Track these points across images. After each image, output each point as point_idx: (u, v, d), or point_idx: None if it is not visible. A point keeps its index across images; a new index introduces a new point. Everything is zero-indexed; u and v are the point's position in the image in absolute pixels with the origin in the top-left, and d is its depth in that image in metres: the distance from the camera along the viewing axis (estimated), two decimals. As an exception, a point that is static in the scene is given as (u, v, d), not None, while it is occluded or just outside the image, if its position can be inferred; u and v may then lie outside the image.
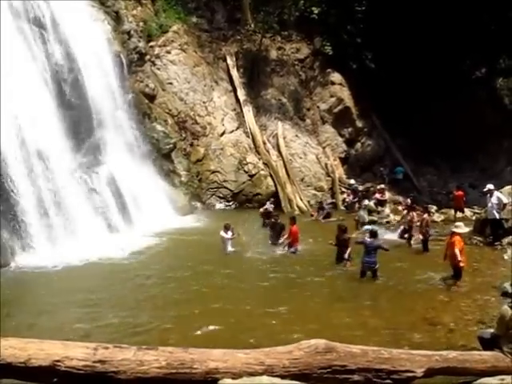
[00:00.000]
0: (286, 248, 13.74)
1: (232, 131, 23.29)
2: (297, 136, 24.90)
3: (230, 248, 13.63)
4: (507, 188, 15.95)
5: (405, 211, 16.24)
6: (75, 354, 5.27)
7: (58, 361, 5.17)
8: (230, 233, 13.64)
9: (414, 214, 15.34)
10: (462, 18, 24.61)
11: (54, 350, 5.27)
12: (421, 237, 14.13)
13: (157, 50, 22.79)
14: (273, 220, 15.06)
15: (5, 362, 5.09)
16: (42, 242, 13.32)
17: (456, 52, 25.30)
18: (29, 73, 14.99)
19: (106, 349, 5.40)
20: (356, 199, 22.44)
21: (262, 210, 18.01)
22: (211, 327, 8.33)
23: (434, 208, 20.98)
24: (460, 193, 20.31)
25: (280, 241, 14.33)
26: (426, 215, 14.71)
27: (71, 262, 12.05)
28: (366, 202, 19.54)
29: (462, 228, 11.13)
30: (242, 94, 24.36)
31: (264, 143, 23.38)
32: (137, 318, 8.89)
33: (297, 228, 13.94)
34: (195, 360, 5.48)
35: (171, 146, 21.39)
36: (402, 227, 15.74)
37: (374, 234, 11.70)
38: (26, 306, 9.47)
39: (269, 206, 18.20)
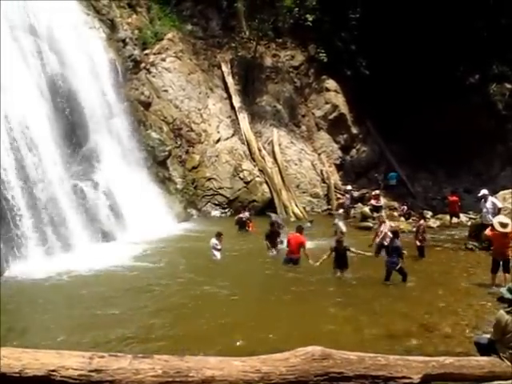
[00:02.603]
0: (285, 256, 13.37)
1: (227, 138, 23.33)
2: (292, 143, 24.98)
3: (218, 256, 13.78)
4: (502, 193, 16.04)
5: (376, 225, 14.72)
6: (70, 363, 5.22)
7: (53, 370, 5.12)
8: (219, 242, 13.82)
9: (387, 226, 14.32)
10: (455, 25, 24.81)
11: (49, 360, 5.22)
12: (417, 243, 14.12)
13: (152, 58, 22.85)
14: (270, 229, 14.98)
15: (-1, 372, 5.05)
16: (37, 251, 13.22)
17: (449, 59, 25.48)
18: (23, 81, 14.96)
19: (102, 358, 5.36)
20: (352, 204, 22.57)
21: (237, 217, 18.12)
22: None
23: (429, 213, 21.07)
24: (454, 198, 20.42)
25: (279, 247, 14.29)
26: (422, 221, 14.72)
27: (66, 272, 11.95)
28: (341, 211, 19.49)
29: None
30: (237, 101, 24.43)
31: (259, 150, 23.43)
32: (131, 327, 8.84)
33: (293, 235, 13.43)
34: (191, 368, 5.45)
35: (166, 153, 21.38)
36: (377, 241, 14.07)
37: (395, 234, 11.89)
38: (20, 315, 9.40)
39: (245, 214, 18.29)
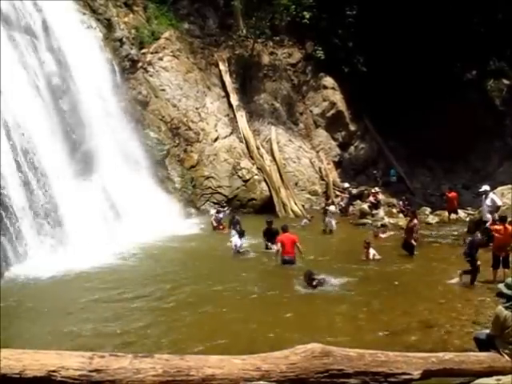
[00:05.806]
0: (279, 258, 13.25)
1: (225, 137, 23.30)
2: (290, 140, 24.96)
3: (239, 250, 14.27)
4: (500, 189, 16.04)
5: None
6: (71, 363, 5.21)
7: (53, 371, 5.11)
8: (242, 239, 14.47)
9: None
10: (453, 22, 24.82)
11: (49, 360, 5.22)
12: (414, 242, 14.04)
13: (149, 57, 22.79)
14: (267, 226, 15.01)
15: (-1, 373, 5.04)
16: (36, 251, 13.23)
17: (447, 55, 25.50)
18: (20, 81, 14.95)
19: (102, 357, 5.36)
20: (350, 202, 22.59)
21: (212, 219, 18.35)
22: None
23: (428, 210, 21.07)
24: (453, 194, 20.42)
25: (274, 247, 14.25)
26: (415, 221, 14.56)
27: (65, 271, 11.96)
28: (332, 208, 19.51)
29: None
30: (234, 99, 24.40)
31: (257, 148, 23.40)
32: (131, 327, 8.85)
33: (284, 235, 13.17)
34: (192, 367, 5.45)
35: (165, 152, 21.37)
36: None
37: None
38: (21, 315, 9.40)
39: (215, 215, 18.49)
